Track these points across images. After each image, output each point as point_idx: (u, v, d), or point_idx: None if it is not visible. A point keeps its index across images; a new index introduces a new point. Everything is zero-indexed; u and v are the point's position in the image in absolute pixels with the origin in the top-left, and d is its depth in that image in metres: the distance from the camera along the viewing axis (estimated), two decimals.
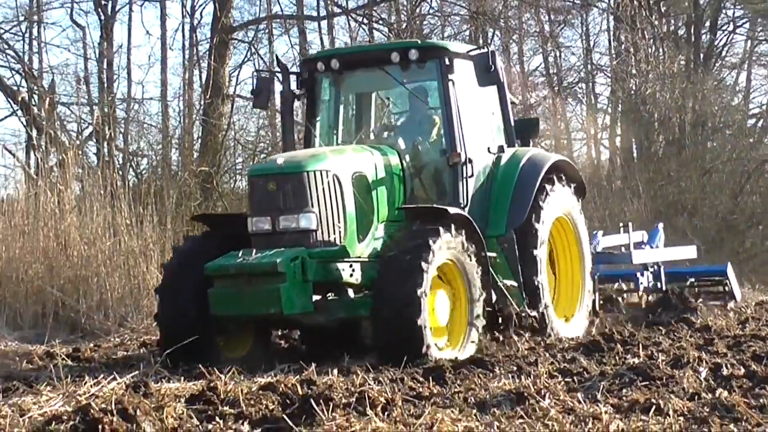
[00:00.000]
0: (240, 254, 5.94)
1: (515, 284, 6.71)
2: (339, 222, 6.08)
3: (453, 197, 6.65)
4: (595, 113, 21.18)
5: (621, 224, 9.87)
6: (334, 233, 6.05)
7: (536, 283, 6.78)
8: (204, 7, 17.60)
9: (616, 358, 5.48)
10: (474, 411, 3.62)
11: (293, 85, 7.24)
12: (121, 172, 13.52)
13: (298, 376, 4.70)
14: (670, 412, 3.34)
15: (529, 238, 6.84)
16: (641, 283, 8.75)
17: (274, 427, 3.39)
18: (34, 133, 13.90)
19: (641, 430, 3.14)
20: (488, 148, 7.02)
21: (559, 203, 7.18)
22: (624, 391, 4.05)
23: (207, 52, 16.92)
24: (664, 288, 8.83)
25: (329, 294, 6.21)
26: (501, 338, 6.42)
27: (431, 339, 5.53)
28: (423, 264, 5.47)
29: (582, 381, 4.48)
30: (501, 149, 7.05)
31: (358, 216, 6.23)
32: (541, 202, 6.89)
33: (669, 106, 17.99)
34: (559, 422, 3.29)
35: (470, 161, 6.68)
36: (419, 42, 7.80)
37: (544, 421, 3.31)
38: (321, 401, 3.52)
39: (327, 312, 6.05)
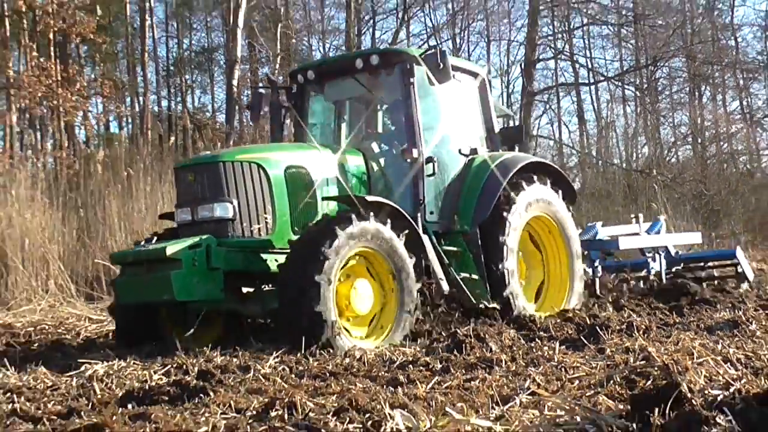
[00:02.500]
0: (143, 243, 6.21)
1: (476, 277, 6.70)
2: (265, 213, 6.09)
3: (413, 195, 6.73)
4: None
5: (632, 215, 10.49)
6: (258, 224, 6.04)
7: (501, 269, 6.72)
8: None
9: None
10: (704, 333, 5.23)
11: (282, 98, 7.66)
12: None
13: (589, 311, 6.82)
14: None
15: (497, 227, 6.82)
16: (652, 268, 9.13)
17: (573, 344, 5.08)
18: None
19: None
20: (459, 150, 7.21)
21: (538, 201, 7.21)
22: None
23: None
24: (656, 274, 9.17)
25: (264, 285, 6.20)
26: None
27: (337, 327, 5.38)
28: (324, 250, 5.33)
29: None
30: (474, 151, 7.24)
31: (292, 209, 6.21)
32: (514, 195, 6.93)
33: None
34: (765, 340, 4.80)
35: (431, 160, 6.79)
36: (381, 48, 8.08)
37: (753, 339, 4.82)
38: (603, 327, 5.37)
39: (262, 302, 6.03)
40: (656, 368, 3.49)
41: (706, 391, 2.91)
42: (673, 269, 9.36)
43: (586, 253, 8.40)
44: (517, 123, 8.92)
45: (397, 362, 4.67)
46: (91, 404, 3.61)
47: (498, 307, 6.50)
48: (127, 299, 6.06)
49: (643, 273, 9.25)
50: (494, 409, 3.15)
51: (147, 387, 3.90)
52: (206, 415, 3.25)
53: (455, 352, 4.78)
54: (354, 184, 6.72)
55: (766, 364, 3.73)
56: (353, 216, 5.57)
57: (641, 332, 5.29)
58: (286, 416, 3.15)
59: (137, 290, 5.91)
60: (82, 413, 3.35)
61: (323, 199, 6.33)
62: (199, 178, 6.09)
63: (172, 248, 5.55)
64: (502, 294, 6.66)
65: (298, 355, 5.04)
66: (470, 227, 6.80)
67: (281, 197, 6.15)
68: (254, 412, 3.30)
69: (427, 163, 6.74)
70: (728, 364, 3.70)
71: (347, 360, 4.80)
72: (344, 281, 5.71)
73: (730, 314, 6.16)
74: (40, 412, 3.46)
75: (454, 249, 6.76)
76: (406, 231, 5.98)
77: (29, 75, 16.79)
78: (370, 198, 6.06)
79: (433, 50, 6.57)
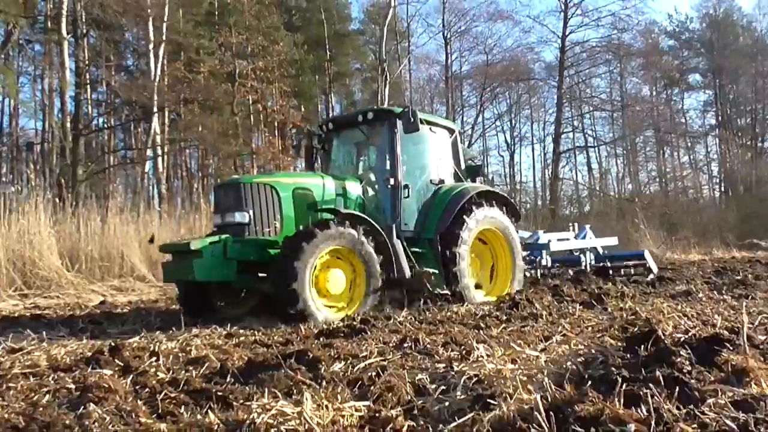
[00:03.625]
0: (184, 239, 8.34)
1: (436, 271, 8.50)
2: (275, 220, 7.87)
3: (391, 212, 8.67)
4: None
5: (570, 224, 13.98)
6: (269, 227, 7.81)
7: (454, 271, 8.56)
8: None
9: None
10: (670, 299, 7.35)
11: (315, 141, 10.06)
12: None
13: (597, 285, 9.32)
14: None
15: (452, 240, 8.67)
16: (582, 262, 11.81)
17: (587, 305, 7.27)
18: None
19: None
20: (431, 180, 9.32)
21: (487, 219, 9.20)
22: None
23: None
24: (585, 266, 11.78)
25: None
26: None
27: (309, 301, 6.95)
28: (304, 244, 6.97)
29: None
30: (441, 182, 9.36)
31: (297, 218, 7.99)
32: (466, 218, 8.83)
33: None
34: (708, 304, 6.78)
35: (407, 187, 8.80)
36: (374, 107, 10.22)
37: (700, 302, 6.87)
38: (605, 294, 7.66)
39: (270, 282, 7.39)
40: (641, 320, 5.12)
41: (674, 335, 3.94)
42: (601, 264, 11.88)
43: (527, 252, 10.90)
44: (479, 164, 11.99)
45: (479, 315, 6.50)
46: (298, 337, 5.45)
47: (448, 293, 8.41)
48: (168, 279, 8.25)
49: (581, 267, 11.80)
50: (539, 345, 4.65)
51: (331, 328, 5.81)
52: (365, 344, 4.90)
53: (514, 309, 6.77)
54: (350, 203, 8.61)
55: (710, 317, 5.35)
56: (332, 222, 7.35)
57: (629, 298, 7.60)
58: (413, 346, 4.77)
59: (173, 272, 7.84)
60: (294, 342, 5.18)
61: (316, 211, 8.03)
62: (227, 194, 8.03)
63: (195, 243, 7.35)
64: (456, 287, 8.55)
65: (420, 310, 7.34)
66: (433, 236, 8.79)
67: (288, 209, 8.00)
68: (394, 344, 4.94)
69: (404, 189, 8.76)
70: (686, 318, 5.32)
71: (449, 313, 6.79)
72: (324, 270, 7.36)
73: (685, 287, 8.67)
74: (270, 341, 5.37)
75: (422, 251, 8.74)
76: (376, 235, 7.75)
77: (263, 146, 30.81)
78: (344, 210, 7.94)
79: (407, 110, 8.55)
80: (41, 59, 30.67)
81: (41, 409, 2.96)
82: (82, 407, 3.09)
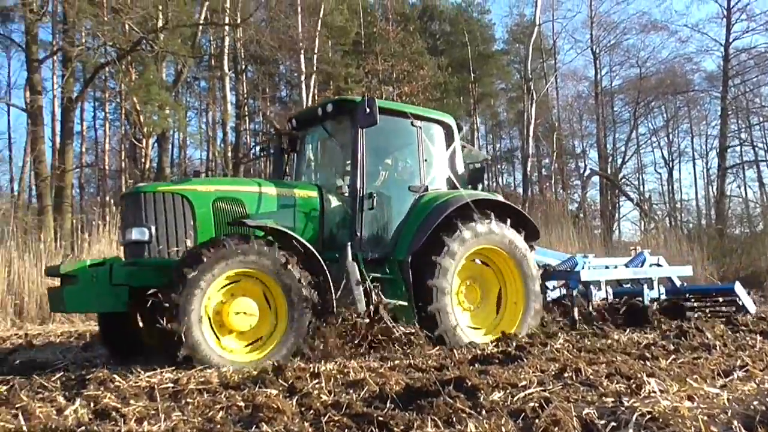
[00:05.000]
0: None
1: (404, 303, 6.91)
2: (185, 238, 6.38)
3: (351, 226, 7.12)
4: None
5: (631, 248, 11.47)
6: (177, 246, 6.34)
7: (429, 310, 6.93)
8: None
9: None
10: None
11: (285, 143, 8.55)
12: None
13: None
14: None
15: (427, 268, 7.03)
16: (648, 296, 9.41)
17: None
18: None
19: None
20: (409, 187, 7.64)
21: (485, 236, 7.45)
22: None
23: None
24: (651, 300, 9.47)
25: None
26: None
27: (202, 345, 5.51)
28: (185, 270, 5.54)
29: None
30: (425, 189, 7.64)
31: (218, 233, 6.47)
32: (446, 238, 7.16)
33: None
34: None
35: (371, 197, 7.17)
36: (335, 98, 8.43)
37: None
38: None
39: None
40: None
41: None
42: (671, 298, 9.83)
43: (559, 283, 9.40)
44: (488, 165, 9.56)
45: (642, 344, 6.19)
46: (452, 363, 5.41)
47: (413, 331, 6.68)
48: (51, 309, 7.17)
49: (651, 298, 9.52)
50: (718, 380, 4.29)
51: (485, 353, 5.77)
52: (523, 372, 4.76)
53: (682, 338, 6.35)
54: (299, 216, 7.03)
55: None
56: (227, 241, 5.78)
57: None
58: (574, 376, 4.58)
59: (52, 302, 6.65)
60: (449, 368, 5.12)
61: (229, 224, 6.56)
62: (127, 207, 6.72)
63: (65, 267, 6.14)
64: (434, 330, 6.91)
65: (577, 337, 7.06)
66: (403, 258, 7.13)
67: (205, 224, 6.54)
68: (553, 373, 4.76)
69: (368, 199, 7.19)
70: None
71: (608, 341, 6.52)
72: (231, 300, 5.86)
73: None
74: (424, 366, 5.35)
75: (390, 277, 7.10)
76: (312, 257, 6.20)
77: None
78: (252, 222, 6.35)
79: (363, 99, 7.03)
80: (206, 94, 33.16)
81: (218, 426, 3.11)
82: (255, 426, 3.22)
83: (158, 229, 6.37)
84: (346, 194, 7.21)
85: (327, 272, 6.23)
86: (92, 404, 3.99)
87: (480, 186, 8.41)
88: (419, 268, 7.10)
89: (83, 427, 3.17)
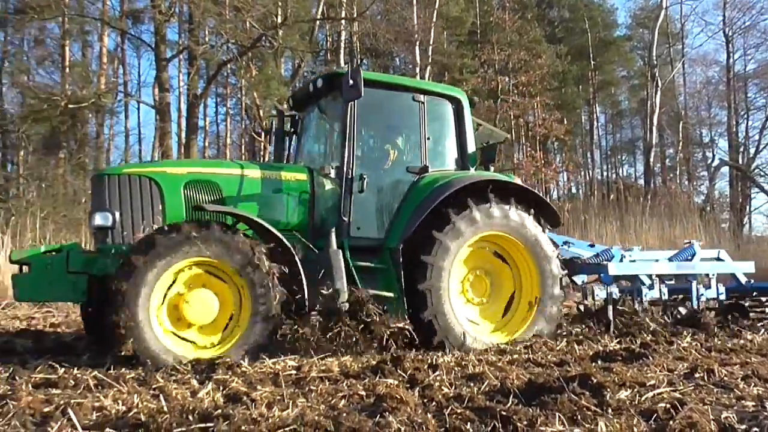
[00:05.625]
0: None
1: (391, 294, 6.26)
2: (153, 223, 5.93)
3: (339, 211, 6.55)
4: None
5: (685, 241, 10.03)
6: (145, 233, 5.73)
7: (420, 289, 6.28)
8: None
9: None
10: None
11: (288, 124, 7.96)
12: None
13: None
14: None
15: (425, 245, 6.40)
16: (702, 294, 8.44)
17: None
18: None
19: None
20: (407, 168, 6.93)
21: (498, 221, 6.67)
22: None
23: None
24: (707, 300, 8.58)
25: None
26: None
27: (150, 340, 5.16)
28: (134, 258, 5.21)
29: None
30: (425, 169, 6.88)
31: (191, 219, 6.01)
32: (454, 215, 6.47)
33: None
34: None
35: (361, 178, 6.61)
36: (327, 72, 7.56)
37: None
38: None
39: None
40: None
41: None
42: (733, 298, 8.73)
43: (588, 279, 8.43)
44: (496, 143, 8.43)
45: None
46: (573, 359, 5.26)
47: (406, 327, 6.06)
48: (15, 297, 6.53)
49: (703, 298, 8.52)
50: None
51: (607, 351, 5.58)
52: (649, 371, 4.57)
53: None
54: (285, 200, 6.52)
55: None
56: (183, 227, 5.39)
57: None
58: (706, 377, 4.34)
59: (15, 289, 6.05)
60: (570, 364, 5.01)
61: (193, 208, 6.11)
62: (93, 191, 6.38)
63: (17, 254, 5.88)
64: (434, 338, 6.25)
65: (703, 335, 6.72)
66: (395, 244, 6.45)
67: (175, 209, 6.10)
68: (683, 373, 4.54)
69: (358, 181, 6.60)
70: None
71: (741, 341, 6.16)
72: (189, 291, 5.50)
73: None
74: (544, 361, 5.27)
75: (380, 266, 6.46)
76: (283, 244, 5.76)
77: (526, 161, 31.44)
78: (211, 207, 5.89)
79: (347, 70, 6.46)
80: None
81: (344, 414, 3.19)
82: (379, 416, 3.27)
83: (123, 215, 6.01)
84: (331, 176, 6.65)
85: (298, 263, 5.80)
86: (222, 388, 4.14)
87: (492, 167, 7.73)
88: (407, 257, 6.41)
89: (219, 410, 3.31)
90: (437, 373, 4.61)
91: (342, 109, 6.65)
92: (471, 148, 7.35)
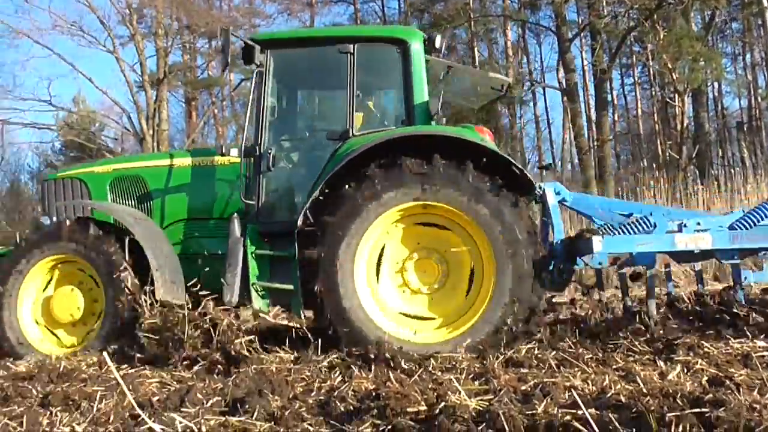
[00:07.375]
0: None
1: (290, 287, 5.29)
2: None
3: (242, 194, 5.84)
4: None
5: None
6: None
7: (311, 288, 5.13)
8: None
9: None
10: None
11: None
12: None
13: None
14: None
15: (311, 235, 5.22)
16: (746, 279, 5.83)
17: None
18: None
19: None
20: (327, 136, 5.84)
21: (433, 190, 5.13)
22: None
23: None
24: None
25: None
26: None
27: (10, 338, 5.49)
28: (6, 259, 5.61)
29: None
30: (345, 135, 5.64)
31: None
32: (354, 190, 5.16)
33: None
34: None
35: (267, 154, 5.78)
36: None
37: None
38: None
39: None
40: None
41: None
42: None
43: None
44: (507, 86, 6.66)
45: None
46: None
47: (297, 325, 5.72)
48: None
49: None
50: None
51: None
52: None
53: None
54: (224, 185, 6.12)
55: None
56: (45, 225, 5.80)
57: None
58: None
59: None
60: None
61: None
62: (40, 195, 6.77)
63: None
64: (323, 319, 5.19)
65: None
66: (295, 226, 5.33)
67: None
68: None
69: (265, 158, 5.84)
70: None
71: None
72: (60, 289, 5.67)
73: None
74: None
75: (283, 254, 5.48)
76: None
77: None
78: (75, 201, 6.26)
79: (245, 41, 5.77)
80: (740, 36, 30.55)
81: None
82: None
83: (60, 217, 6.24)
84: (232, 155, 6.11)
85: (151, 258, 5.42)
86: (686, 370, 3.96)
87: (434, 122, 5.98)
88: (302, 240, 5.38)
89: (709, 395, 3.08)
90: None
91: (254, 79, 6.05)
92: (421, 98, 5.90)
